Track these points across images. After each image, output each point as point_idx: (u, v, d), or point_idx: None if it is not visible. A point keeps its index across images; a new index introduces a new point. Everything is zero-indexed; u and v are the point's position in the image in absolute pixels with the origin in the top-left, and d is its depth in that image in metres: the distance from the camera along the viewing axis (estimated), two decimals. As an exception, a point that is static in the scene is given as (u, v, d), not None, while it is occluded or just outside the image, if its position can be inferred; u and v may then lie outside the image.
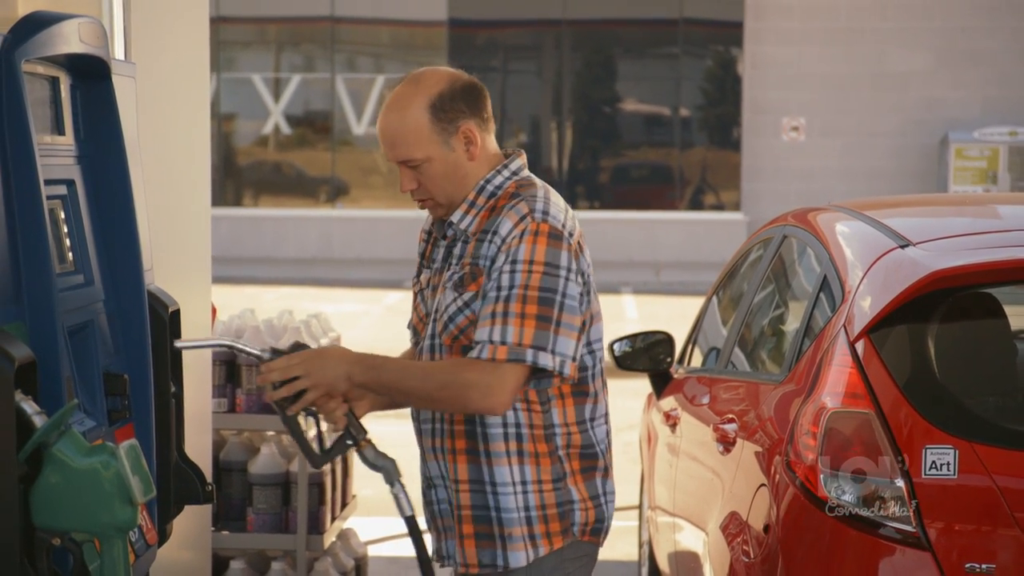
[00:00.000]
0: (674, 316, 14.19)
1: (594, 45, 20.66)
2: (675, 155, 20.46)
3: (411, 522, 2.98)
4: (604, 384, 3.09)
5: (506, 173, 3.04)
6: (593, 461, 3.04)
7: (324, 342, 5.09)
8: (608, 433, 3.09)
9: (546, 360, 2.88)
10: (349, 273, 18.74)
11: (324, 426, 3.14)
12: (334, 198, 20.63)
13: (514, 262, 2.90)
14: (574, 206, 22.40)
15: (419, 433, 3.13)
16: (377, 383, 2.96)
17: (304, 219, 20.17)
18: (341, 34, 20.61)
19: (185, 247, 4.02)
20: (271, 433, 5.09)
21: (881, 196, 4.87)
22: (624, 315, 15.62)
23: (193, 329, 3.70)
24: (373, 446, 3.03)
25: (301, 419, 3.08)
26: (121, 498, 2.35)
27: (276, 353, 2.96)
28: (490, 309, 2.89)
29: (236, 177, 20.86)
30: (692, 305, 15.65)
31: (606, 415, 3.09)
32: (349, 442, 3.03)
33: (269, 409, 4.89)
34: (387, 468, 3.02)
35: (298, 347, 2.99)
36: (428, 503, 3.14)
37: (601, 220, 19.38)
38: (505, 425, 2.99)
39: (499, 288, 2.90)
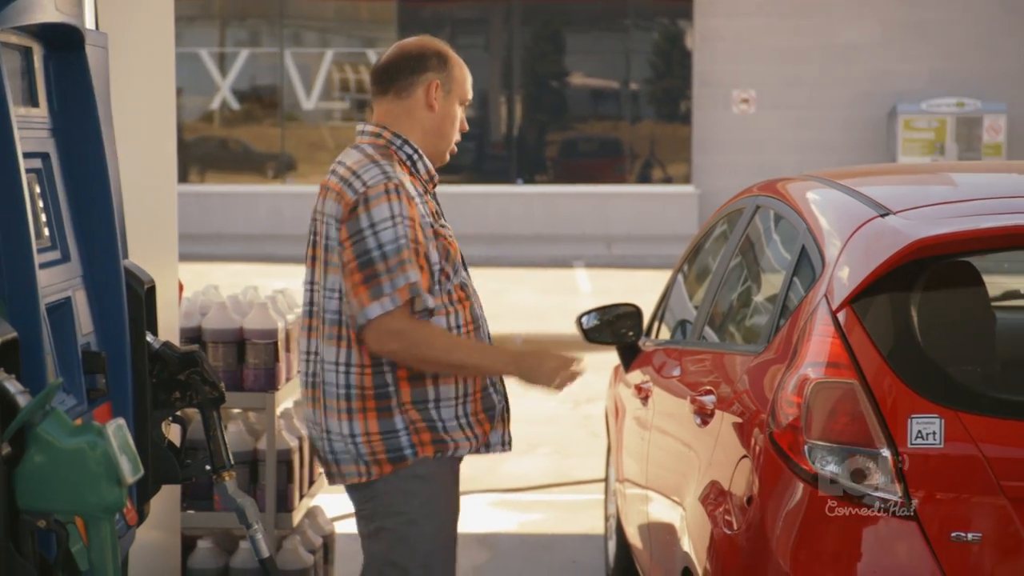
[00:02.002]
0: (628, 289, 14.19)
1: (543, 18, 20.59)
2: (625, 128, 20.44)
3: (270, 564, 2.94)
4: None
5: None
6: None
7: (291, 318, 5.02)
8: None
9: None
10: (301, 249, 18.55)
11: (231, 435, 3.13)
12: (283, 173, 20.47)
13: None
14: (525, 180, 22.10)
15: None
16: None
17: (253, 195, 19.99)
18: (289, 8, 20.42)
19: (153, 222, 3.96)
20: (237, 411, 5.03)
21: (844, 167, 4.86)
22: (578, 289, 15.60)
23: (162, 306, 3.64)
24: (235, 481, 2.98)
25: (165, 425, 3.01)
26: (108, 478, 2.30)
27: (170, 349, 2.93)
28: None
29: (183, 153, 20.61)
30: (645, 278, 15.59)
31: None
32: (208, 467, 2.97)
33: (235, 387, 4.82)
34: (244, 507, 2.96)
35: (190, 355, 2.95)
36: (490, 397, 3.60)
37: (552, 194, 19.33)
38: None
39: None
